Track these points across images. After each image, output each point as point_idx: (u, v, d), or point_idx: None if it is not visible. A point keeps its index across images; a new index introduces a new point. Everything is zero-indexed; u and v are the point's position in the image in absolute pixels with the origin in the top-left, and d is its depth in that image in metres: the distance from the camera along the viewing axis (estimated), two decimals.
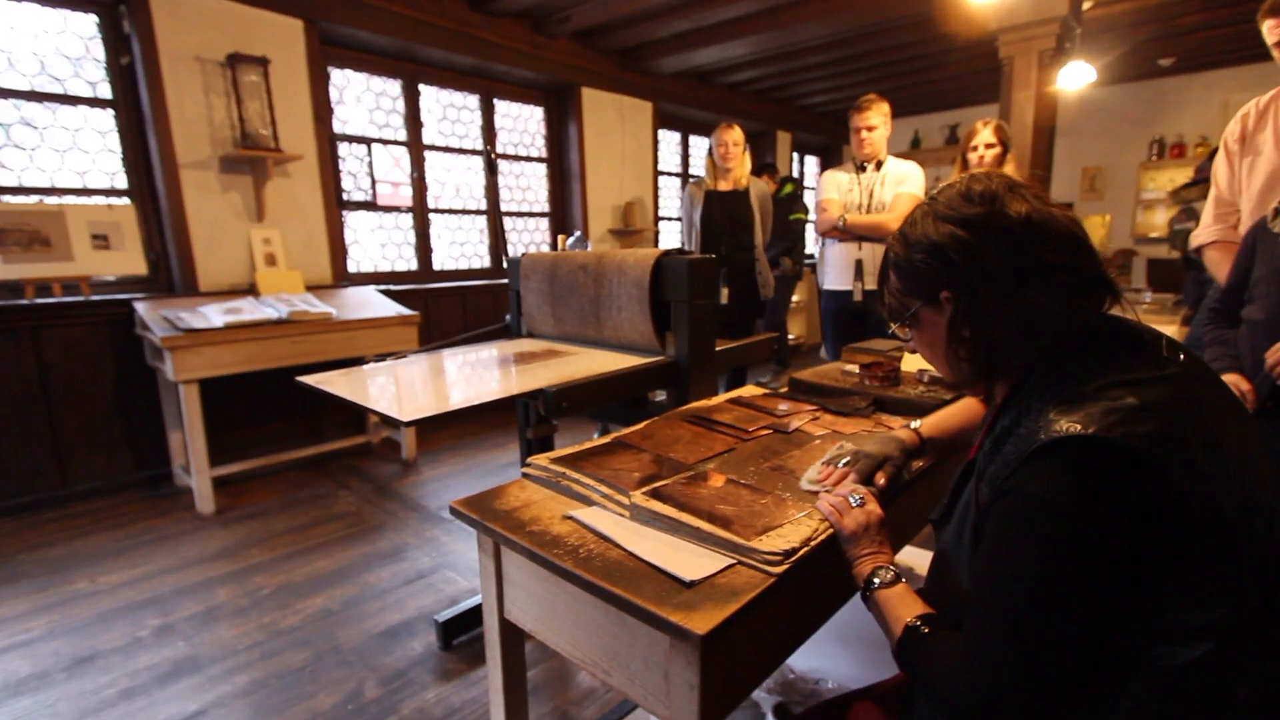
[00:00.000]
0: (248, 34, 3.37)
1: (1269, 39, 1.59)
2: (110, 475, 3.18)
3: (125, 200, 3.25)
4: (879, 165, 2.92)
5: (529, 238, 5.35)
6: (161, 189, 3.23)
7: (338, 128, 4.00)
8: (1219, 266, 1.79)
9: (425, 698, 1.76)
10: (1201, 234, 1.88)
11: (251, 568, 2.48)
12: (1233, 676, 0.65)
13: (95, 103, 3.15)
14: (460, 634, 2.00)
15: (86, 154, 3.16)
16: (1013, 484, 0.69)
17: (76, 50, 3.10)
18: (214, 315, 2.93)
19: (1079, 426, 0.65)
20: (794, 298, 6.82)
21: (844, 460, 1.13)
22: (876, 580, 0.87)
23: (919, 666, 0.76)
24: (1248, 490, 0.68)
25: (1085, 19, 3.82)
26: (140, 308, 3.00)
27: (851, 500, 0.98)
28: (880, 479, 1.08)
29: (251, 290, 3.43)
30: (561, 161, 5.34)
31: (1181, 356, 0.74)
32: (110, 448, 3.17)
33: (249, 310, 3.05)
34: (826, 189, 3.01)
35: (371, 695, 1.77)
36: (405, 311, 3.55)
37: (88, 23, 3.11)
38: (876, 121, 2.86)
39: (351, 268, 4.15)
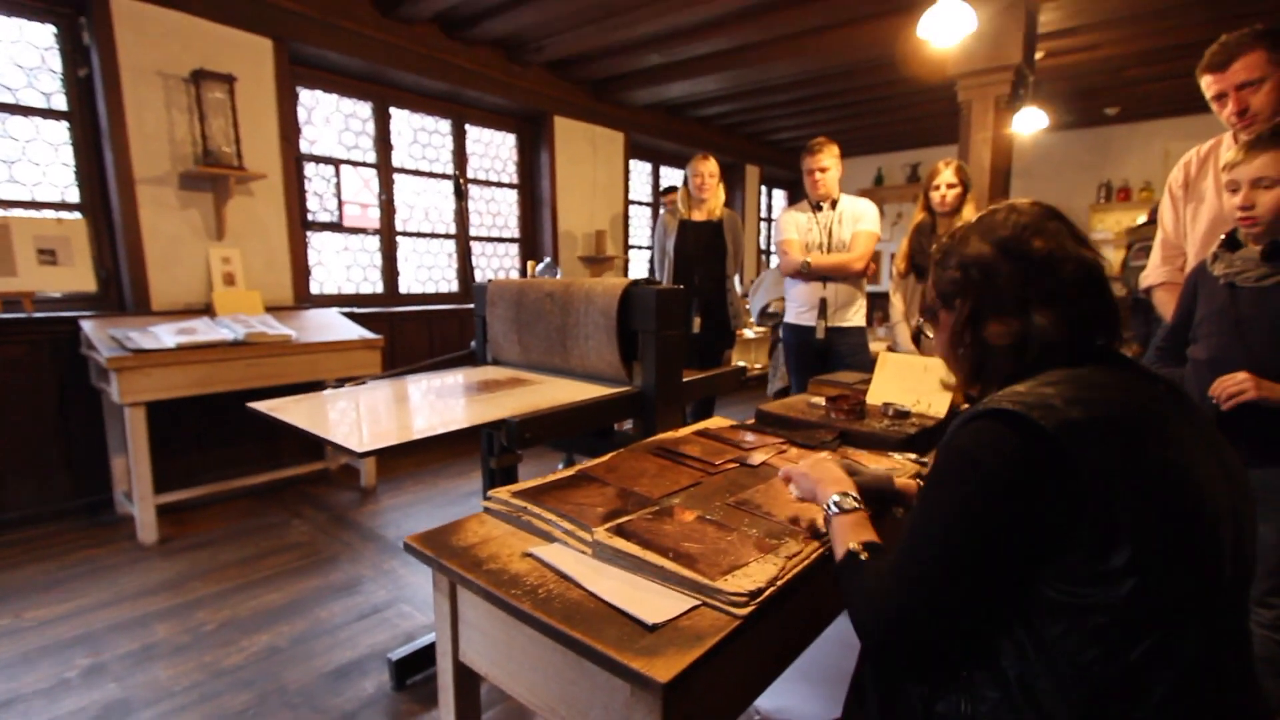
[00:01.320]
0: (214, 51, 3.32)
1: (1208, 93, 1.68)
2: (45, 502, 3.00)
3: (76, 215, 3.13)
4: (834, 204, 2.99)
5: (498, 263, 5.32)
6: (116, 204, 3.12)
7: (305, 148, 3.94)
8: (1167, 306, 1.86)
9: None
10: (1150, 275, 1.96)
11: (194, 602, 2.35)
12: (1146, 661, 0.68)
13: (49, 114, 3.05)
14: (415, 673, 1.91)
15: (37, 166, 3.04)
16: (946, 442, 0.80)
17: (31, 60, 3.01)
18: (165, 335, 2.82)
19: (1010, 404, 0.74)
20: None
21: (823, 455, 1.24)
22: (835, 507, 0.91)
23: (847, 588, 0.81)
24: (1192, 508, 0.72)
25: (1037, 68, 4.02)
26: (87, 326, 2.87)
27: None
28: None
29: (208, 310, 3.32)
30: (533, 188, 5.35)
31: (1161, 387, 0.81)
32: (46, 472, 3.00)
33: (203, 331, 2.95)
34: (786, 229, 3.05)
35: None
36: (368, 335, 3.47)
37: (45, 33, 3.03)
38: (828, 163, 2.94)
39: (315, 289, 4.06)
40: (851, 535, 0.85)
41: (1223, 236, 1.57)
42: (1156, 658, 0.68)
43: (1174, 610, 0.68)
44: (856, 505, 0.90)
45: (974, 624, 0.75)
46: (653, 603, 0.86)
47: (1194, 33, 3.91)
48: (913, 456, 1.45)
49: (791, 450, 1.48)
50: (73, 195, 3.14)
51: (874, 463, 1.40)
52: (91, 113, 3.11)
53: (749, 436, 1.54)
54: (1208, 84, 1.67)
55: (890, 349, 2.99)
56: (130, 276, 3.18)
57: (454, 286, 4.90)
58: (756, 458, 1.40)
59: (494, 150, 5.14)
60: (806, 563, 0.97)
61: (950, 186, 2.77)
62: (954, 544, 0.73)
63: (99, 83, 3.03)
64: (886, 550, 0.84)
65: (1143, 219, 5.30)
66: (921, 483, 1.25)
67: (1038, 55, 3.94)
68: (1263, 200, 1.40)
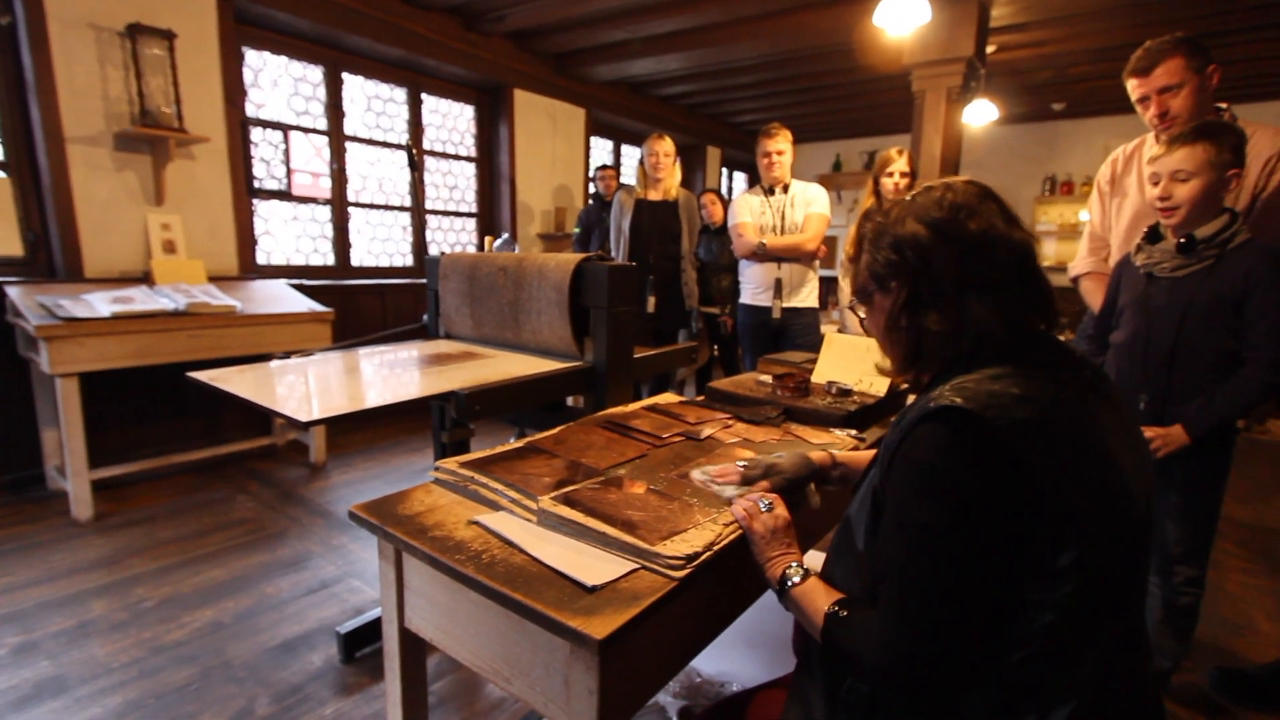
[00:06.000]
0: (151, 4, 3.14)
1: (1132, 96, 1.78)
2: None
3: (0, 174, 2.96)
4: (785, 188, 3.04)
5: (455, 237, 5.23)
6: (44, 164, 2.95)
7: (251, 111, 3.78)
8: (1093, 295, 1.97)
9: (322, 714, 1.68)
10: (1077, 265, 2.07)
11: (132, 578, 2.29)
12: (1076, 643, 0.72)
13: None
14: (364, 646, 1.92)
15: None
16: (903, 452, 0.77)
17: None
18: (100, 304, 2.70)
19: (960, 400, 0.73)
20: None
21: (742, 463, 1.18)
22: (790, 582, 0.90)
23: (844, 645, 0.80)
24: (1121, 494, 0.75)
25: (989, 61, 4.13)
26: (13, 292, 2.73)
27: (761, 505, 1.02)
28: (765, 484, 1.11)
29: (146, 279, 3.18)
30: (491, 162, 5.26)
31: (1088, 374, 0.83)
32: None
33: (141, 300, 2.83)
34: (740, 213, 3.10)
35: (263, 713, 1.67)
36: (318, 308, 3.39)
37: None
38: (784, 146, 3.00)
39: (261, 259, 3.93)
40: (820, 600, 0.84)
41: (1145, 229, 1.67)
42: (1090, 642, 0.71)
43: (1105, 604, 0.72)
44: (807, 573, 0.90)
45: (988, 631, 0.73)
46: (593, 566, 0.89)
47: (1135, 34, 4.08)
48: (853, 432, 1.52)
49: (737, 425, 1.52)
50: None
51: (815, 438, 1.46)
52: (15, 65, 2.92)
53: (696, 412, 1.58)
54: (1132, 87, 1.76)
55: (841, 330, 3.08)
56: (61, 241, 3.02)
57: (409, 260, 4.80)
58: (703, 432, 1.44)
59: (451, 122, 5.03)
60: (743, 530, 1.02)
61: (904, 175, 2.85)
62: (944, 560, 0.72)
63: (23, 33, 2.84)
64: (854, 599, 0.83)
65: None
66: (848, 453, 1.27)
67: (989, 49, 4.05)
68: (1179, 192, 1.50)
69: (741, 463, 1.20)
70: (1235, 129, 1.50)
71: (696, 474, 1.18)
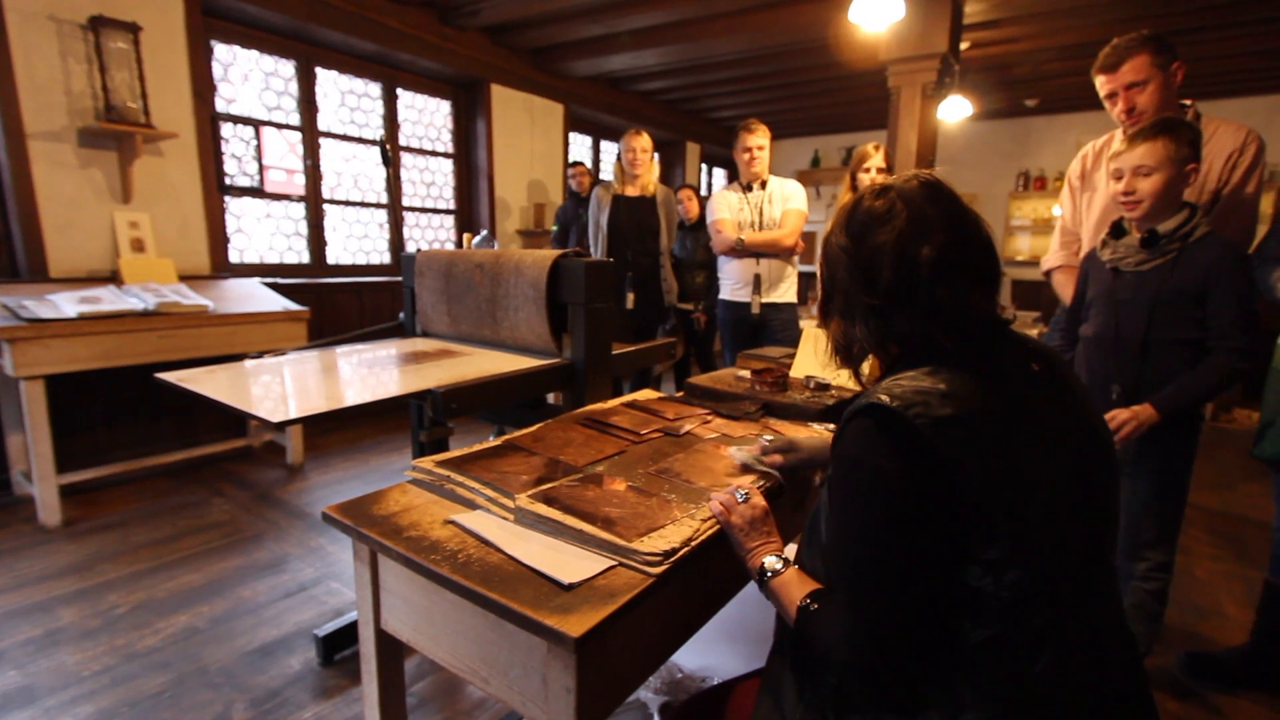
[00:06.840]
0: None
1: (1101, 92, 1.81)
2: None
3: None
4: (764, 184, 3.05)
5: (433, 234, 5.18)
6: (5, 161, 2.87)
7: (222, 106, 3.71)
8: (1064, 288, 2.00)
9: (301, 718, 1.65)
10: (1049, 259, 2.10)
11: (104, 585, 2.24)
12: (1033, 632, 0.72)
13: None
14: (343, 648, 1.90)
15: None
16: (838, 449, 0.80)
17: None
18: (66, 304, 2.63)
19: (886, 398, 0.74)
20: None
21: (767, 437, 1.28)
22: (770, 572, 0.91)
23: (815, 640, 0.81)
24: (1069, 484, 0.76)
25: (963, 57, 4.17)
26: None
27: (738, 496, 1.03)
28: (777, 458, 1.21)
29: (114, 278, 3.11)
30: (469, 158, 5.21)
31: (1036, 368, 0.82)
32: None
33: (109, 300, 2.77)
34: (719, 209, 3.10)
35: (240, 718, 1.65)
36: (293, 306, 3.33)
37: None
38: (763, 142, 3.01)
39: (234, 258, 3.86)
40: (796, 593, 0.85)
41: (1110, 225, 1.70)
42: (1045, 633, 0.72)
43: (1059, 589, 0.73)
44: (788, 562, 0.91)
45: (942, 616, 0.74)
46: (570, 564, 0.89)
47: (1105, 30, 4.14)
48: (831, 426, 1.53)
49: (716, 420, 1.53)
50: None
51: (795, 433, 1.47)
52: None
53: (676, 408, 1.58)
54: (1101, 84, 1.79)
55: (819, 325, 3.10)
56: (24, 240, 2.94)
57: (386, 258, 4.75)
58: (682, 427, 1.44)
59: (428, 117, 4.97)
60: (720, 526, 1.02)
61: (880, 170, 2.87)
62: (881, 553, 0.73)
63: None
64: (826, 591, 0.84)
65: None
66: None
67: (963, 45, 4.10)
68: (1142, 186, 1.52)
69: (767, 437, 1.28)
70: (1192, 125, 1.54)
71: (732, 449, 1.29)
